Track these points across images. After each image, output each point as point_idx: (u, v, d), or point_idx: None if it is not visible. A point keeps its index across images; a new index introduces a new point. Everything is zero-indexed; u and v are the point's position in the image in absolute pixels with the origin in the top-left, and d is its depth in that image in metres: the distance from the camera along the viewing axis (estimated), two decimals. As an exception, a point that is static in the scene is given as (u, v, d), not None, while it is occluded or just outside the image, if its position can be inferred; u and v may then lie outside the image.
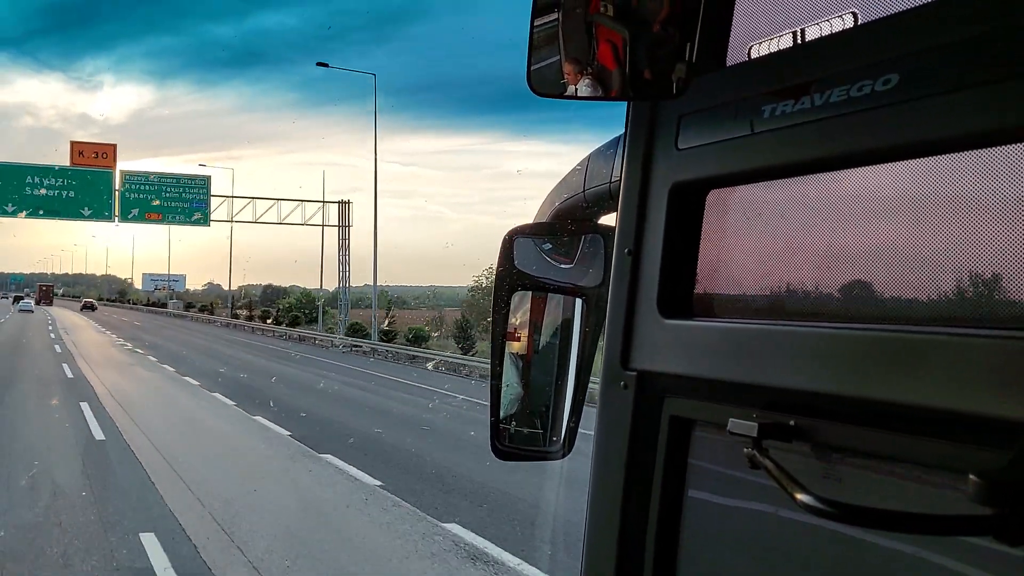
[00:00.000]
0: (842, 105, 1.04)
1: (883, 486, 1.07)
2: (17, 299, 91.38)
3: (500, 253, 1.67)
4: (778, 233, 1.26)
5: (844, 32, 1.11)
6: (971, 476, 0.83)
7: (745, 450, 1.10)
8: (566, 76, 1.21)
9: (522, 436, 1.81)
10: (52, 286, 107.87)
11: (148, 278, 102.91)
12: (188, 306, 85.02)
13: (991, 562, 0.96)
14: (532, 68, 1.22)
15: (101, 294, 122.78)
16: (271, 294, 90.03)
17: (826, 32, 1.13)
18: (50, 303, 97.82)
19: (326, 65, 43.41)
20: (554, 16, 1.19)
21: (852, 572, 1.11)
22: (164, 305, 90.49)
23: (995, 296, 0.99)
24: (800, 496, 0.97)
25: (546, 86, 1.22)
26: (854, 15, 1.09)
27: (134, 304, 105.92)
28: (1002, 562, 0.92)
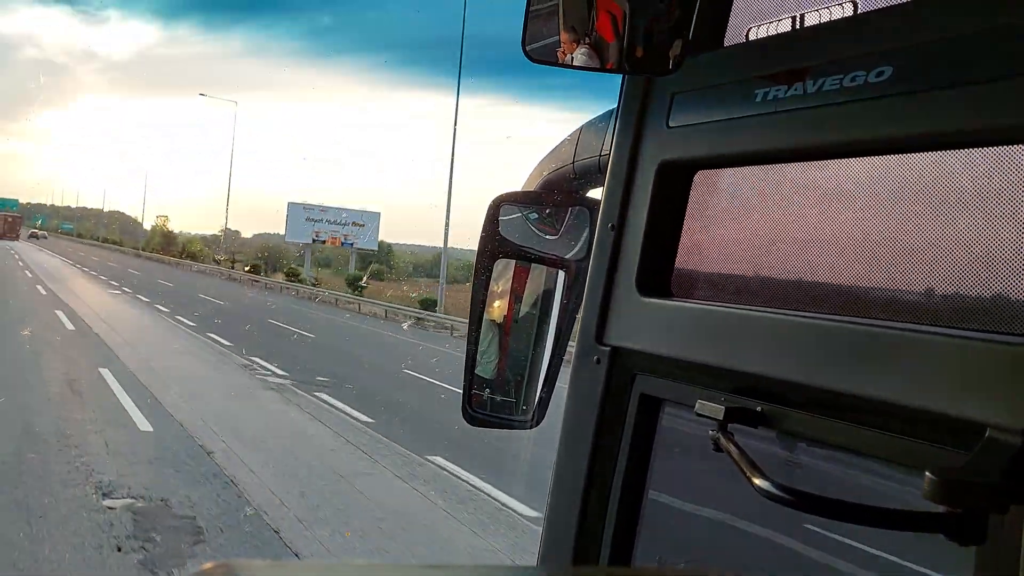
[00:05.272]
0: (835, 94, 1.03)
1: (842, 477, 1.08)
2: None
3: (485, 219, 1.67)
4: (761, 219, 1.26)
5: (842, 20, 1.10)
6: (928, 474, 0.84)
7: (710, 432, 1.11)
8: (562, 44, 1.19)
9: (495, 403, 1.82)
10: (20, 218, 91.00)
11: (298, 211, 50.79)
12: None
13: (940, 560, 0.97)
14: (528, 34, 1.21)
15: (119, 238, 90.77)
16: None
17: (825, 19, 1.12)
18: (16, 238, 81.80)
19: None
20: None
21: (805, 560, 1.13)
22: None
23: (967, 298, 0.99)
24: (758, 482, 0.98)
25: (541, 53, 1.21)
26: (854, 4, 1.09)
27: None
28: (949, 561, 0.94)
